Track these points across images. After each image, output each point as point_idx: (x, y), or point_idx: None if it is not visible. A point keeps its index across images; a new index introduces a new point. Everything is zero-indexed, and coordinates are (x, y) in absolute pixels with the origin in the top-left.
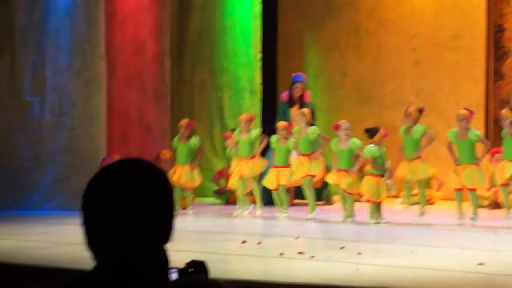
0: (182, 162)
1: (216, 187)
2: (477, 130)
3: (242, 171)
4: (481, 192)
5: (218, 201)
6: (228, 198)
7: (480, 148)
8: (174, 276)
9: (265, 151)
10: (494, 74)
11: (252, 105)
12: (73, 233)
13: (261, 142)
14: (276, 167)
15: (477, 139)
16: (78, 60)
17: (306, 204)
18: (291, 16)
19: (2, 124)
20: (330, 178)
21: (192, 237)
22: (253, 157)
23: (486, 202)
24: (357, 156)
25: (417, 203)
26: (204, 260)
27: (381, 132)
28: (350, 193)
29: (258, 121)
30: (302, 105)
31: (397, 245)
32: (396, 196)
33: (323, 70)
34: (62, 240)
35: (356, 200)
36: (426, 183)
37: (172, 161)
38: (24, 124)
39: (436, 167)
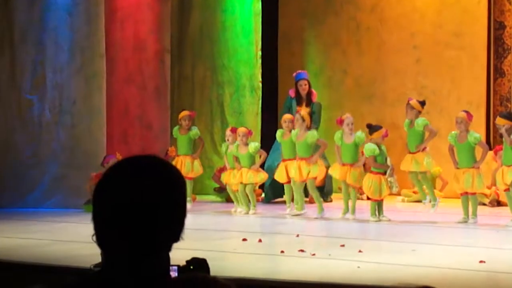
0: (183, 153)
1: (216, 185)
2: (477, 130)
3: (242, 179)
4: (483, 190)
5: (218, 199)
6: (228, 196)
7: (479, 152)
8: (174, 273)
9: (271, 145)
10: (495, 72)
11: (253, 102)
12: (72, 231)
13: (260, 156)
14: (284, 160)
15: (476, 142)
16: (78, 58)
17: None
18: (291, 13)
19: (2, 122)
20: (334, 172)
21: (192, 235)
22: (254, 170)
23: (487, 200)
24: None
25: (418, 201)
26: (205, 258)
27: (382, 131)
28: (356, 187)
29: (259, 124)
30: (310, 103)
31: (398, 243)
32: (398, 194)
33: (324, 67)
34: (62, 238)
35: (357, 198)
36: (431, 179)
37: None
38: (24, 121)
39: (439, 164)
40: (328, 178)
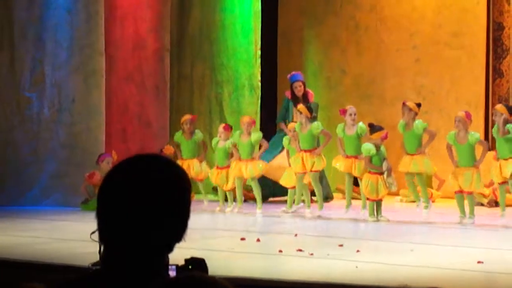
0: (189, 156)
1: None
2: (476, 131)
3: (240, 172)
4: (481, 190)
5: (216, 198)
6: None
7: (479, 150)
8: (173, 272)
9: (270, 137)
10: (494, 72)
11: (252, 102)
12: (71, 229)
13: (261, 146)
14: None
15: (476, 141)
16: (78, 56)
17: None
18: (291, 12)
19: (1, 119)
20: (339, 164)
21: (190, 234)
22: (252, 159)
23: (485, 201)
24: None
25: (414, 201)
26: (203, 257)
27: (382, 132)
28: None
29: (258, 123)
30: (306, 103)
31: (396, 243)
32: (396, 194)
33: (323, 66)
34: (61, 236)
35: (355, 198)
36: (427, 180)
37: (174, 157)
38: (23, 119)
39: (437, 164)
40: (324, 179)
